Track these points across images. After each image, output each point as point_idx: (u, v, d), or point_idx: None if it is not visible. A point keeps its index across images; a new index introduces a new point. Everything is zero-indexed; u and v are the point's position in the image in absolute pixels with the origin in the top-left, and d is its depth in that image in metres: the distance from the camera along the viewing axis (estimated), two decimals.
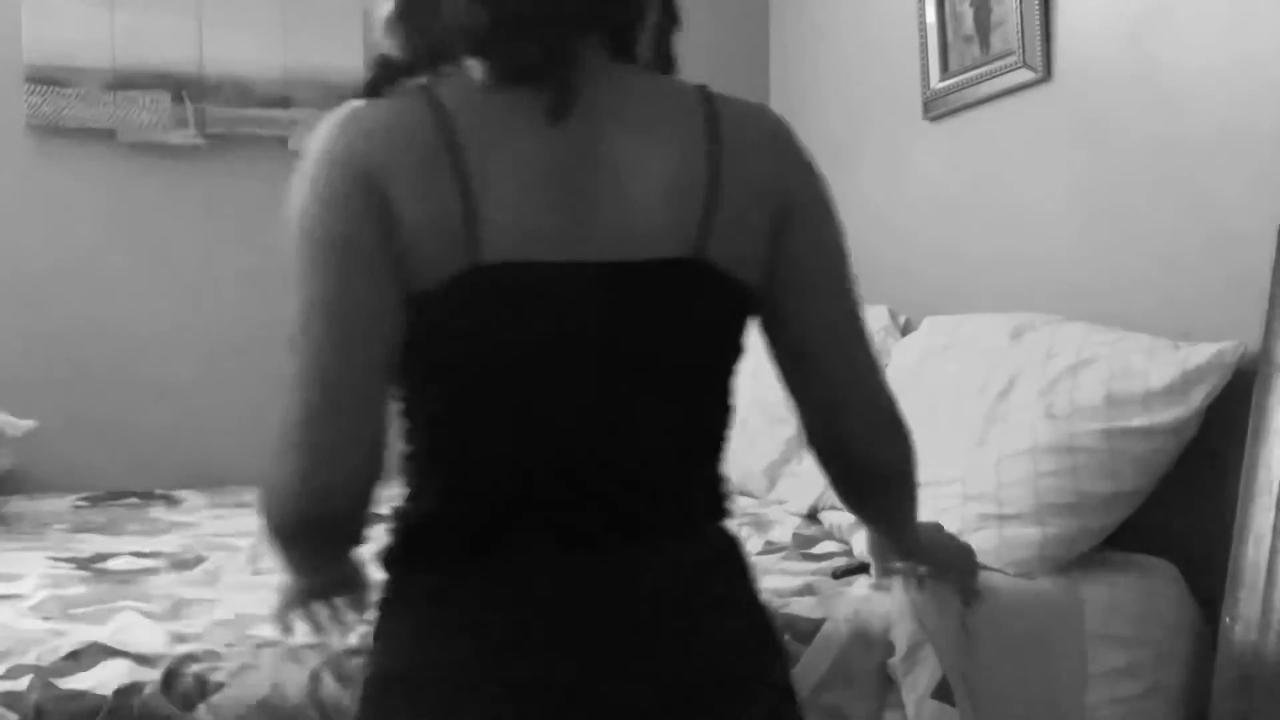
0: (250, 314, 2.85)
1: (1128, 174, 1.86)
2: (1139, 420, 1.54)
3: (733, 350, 0.88)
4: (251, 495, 2.60)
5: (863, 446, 0.93)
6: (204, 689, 1.13)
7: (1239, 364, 1.54)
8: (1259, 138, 1.60)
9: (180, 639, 1.29)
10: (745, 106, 0.88)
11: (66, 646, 1.24)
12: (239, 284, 2.84)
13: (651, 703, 0.83)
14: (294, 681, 1.16)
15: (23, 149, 2.68)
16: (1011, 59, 2.11)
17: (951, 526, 1.42)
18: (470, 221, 0.79)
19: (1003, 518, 1.58)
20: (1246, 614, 1.42)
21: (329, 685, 1.16)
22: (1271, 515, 1.41)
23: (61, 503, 2.42)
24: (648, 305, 0.82)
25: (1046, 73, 2.04)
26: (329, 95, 2.84)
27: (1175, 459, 1.57)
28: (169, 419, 2.77)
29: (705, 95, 0.86)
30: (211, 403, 2.81)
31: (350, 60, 2.86)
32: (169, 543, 1.97)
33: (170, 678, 1.13)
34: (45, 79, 2.64)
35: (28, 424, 2.37)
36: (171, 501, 2.48)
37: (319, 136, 0.86)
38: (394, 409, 0.86)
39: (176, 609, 1.47)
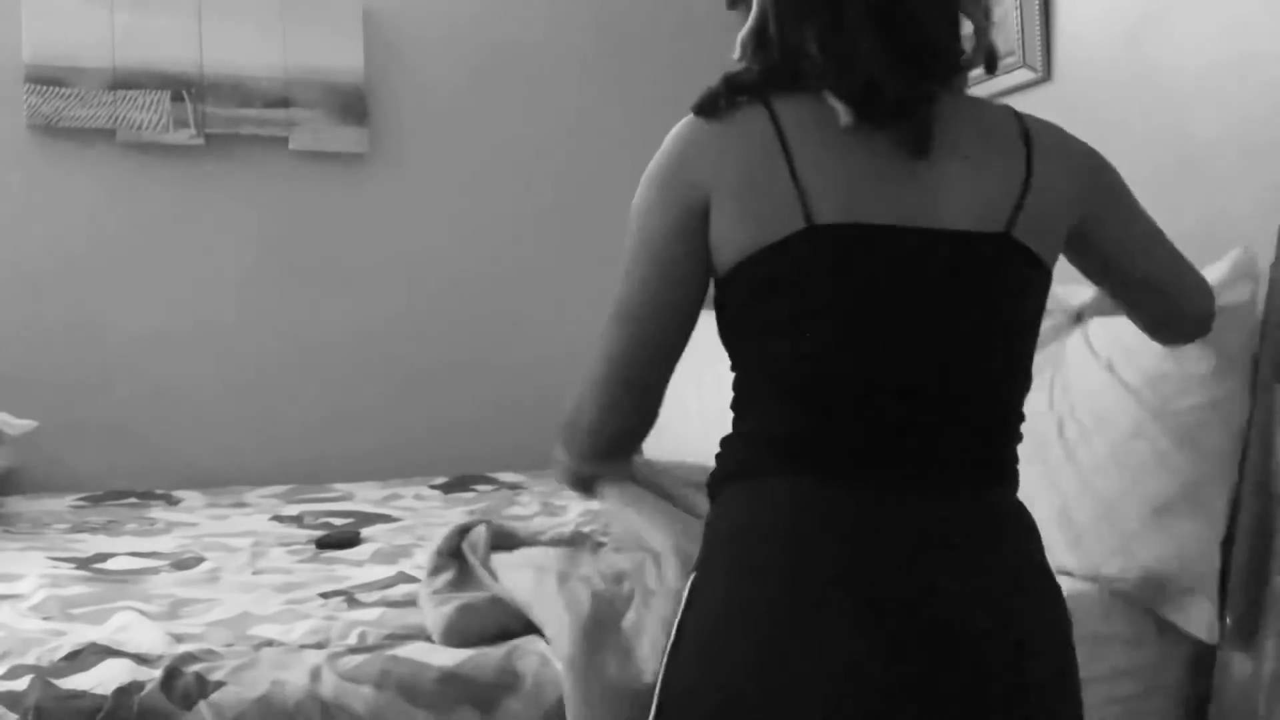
0: (250, 313, 2.85)
1: (1127, 174, 1.85)
2: (1209, 358, 1.49)
3: (1033, 318, 1.05)
4: (250, 495, 2.58)
5: (1196, 312, 1.23)
6: (204, 687, 1.12)
7: (1256, 270, 1.51)
8: (1259, 138, 1.59)
9: (180, 639, 1.29)
10: (1046, 124, 1.07)
11: (66, 647, 1.24)
12: (239, 284, 2.84)
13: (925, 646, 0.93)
14: (294, 679, 1.16)
15: (23, 149, 2.68)
16: (1011, 59, 2.11)
17: (1108, 543, 1.50)
18: (803, 198, 0.96)
19: (1160, 512, 1.51)
20: (1247, 614, 1.41)
21: (329, 682, 1.15)
22: (1271, 515, 1.41)
23: (60, 503, 2.42)
24: (960, 263, 0.98)
25: (1046, 73, 2.04)
26: (329, 95, 2.84)
27: (1253, 371, 1.51)
28: (168, 419, 2.77)
29: (1017, 115, 1.05)
30: (211, 403, 2.81)
31: (350, 60, 2.86)
32: (168, 543, 1.97)
33: (170, 676, 1.13)
34: (45, 79, 2.64)
35: (28, 424, 2.37)
36: (171, 501, 2.48)
37: (667, 143, 1.03)
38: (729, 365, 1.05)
39: (176, 609, 1.47)
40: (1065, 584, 1.51)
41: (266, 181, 2.86)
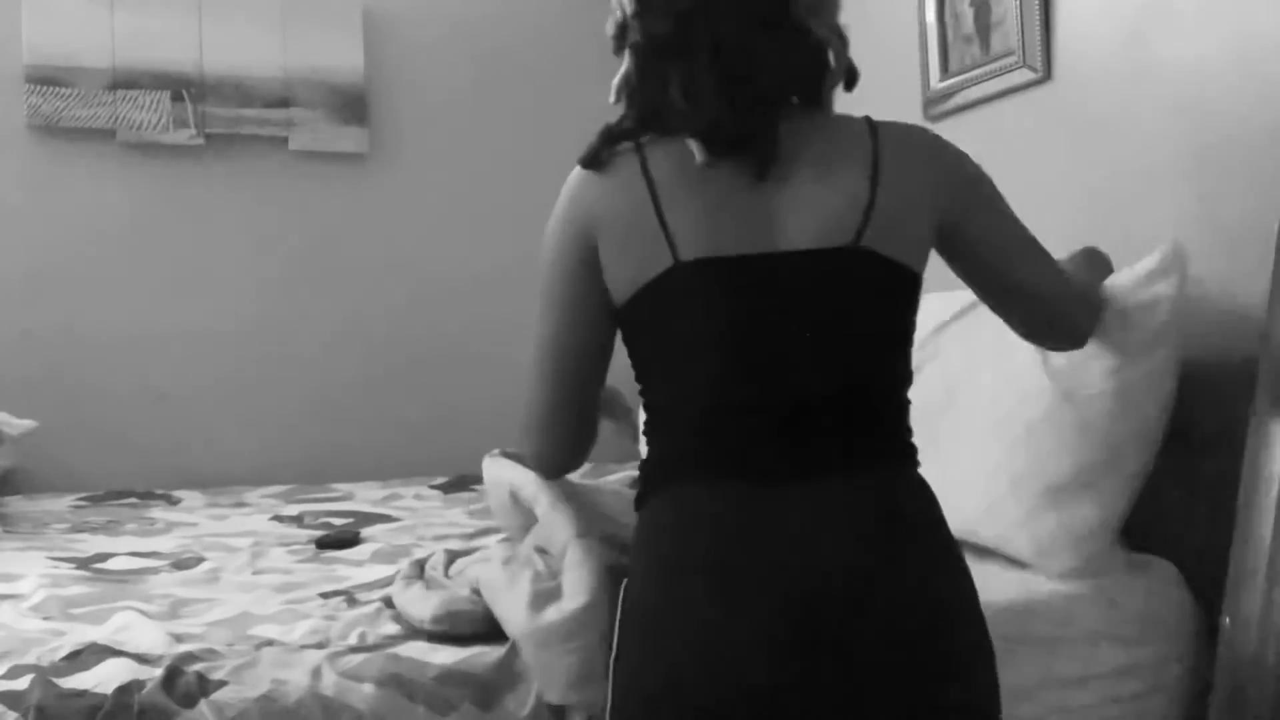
0: (250, 313, 2.85)
1: (1127, 174, 1.86)
2: (1129, 342, 1.52)
3: (895, 317, 1.13)
4: (250, 495, 2.58)
5: (1068, 324, 1.35)
6: (205, 686, 1.12)
7: (1184, 261, 1.54)
8: (1259, 137, 1.59)
9: (180, 639, 1.29)
10: (903, 129, 1.14)
11: (67, 647, 1.23)
12: (238, 283, 2.85)
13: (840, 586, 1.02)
14: (295, 678, 1.15)
15: (23, 149, 2.68)
16: (1011, 59, 2.11)
17: (1014, 516, 1.54)
18: (669, 239, 1.07)
19: (1055, 492, 1.55)
20: (1247, 614, 1.41)
21: (329, 680, 1.15)
22: (1272, 515, 1.41)
23: (60, 503, 2.42)
24: (807, 280, 1.07)
25: (1046, 73, 2.04)
26: (329, 95, 2.85)
27: (1177, 372, 1.55)
28: (168, 419, 2.77)
29: (871, 125, 1.13)
30: (211, 403, 2.81)
31: (350, 60, 2.86)
32: (168, 543, 1.97)
33: (171, 675, 1.13)
34: (45, 79, 2.64)
35: (28, 424, 2.37)
36: (171, 501, 2.48)
37: (560, 197, 1.16)
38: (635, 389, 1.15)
39: (176, 609, 1.47)
40: (1061, 587, 1.54)
41: (266, 181, 2.87)
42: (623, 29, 1.17)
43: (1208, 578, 1.56)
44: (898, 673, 1.02)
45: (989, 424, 1.65)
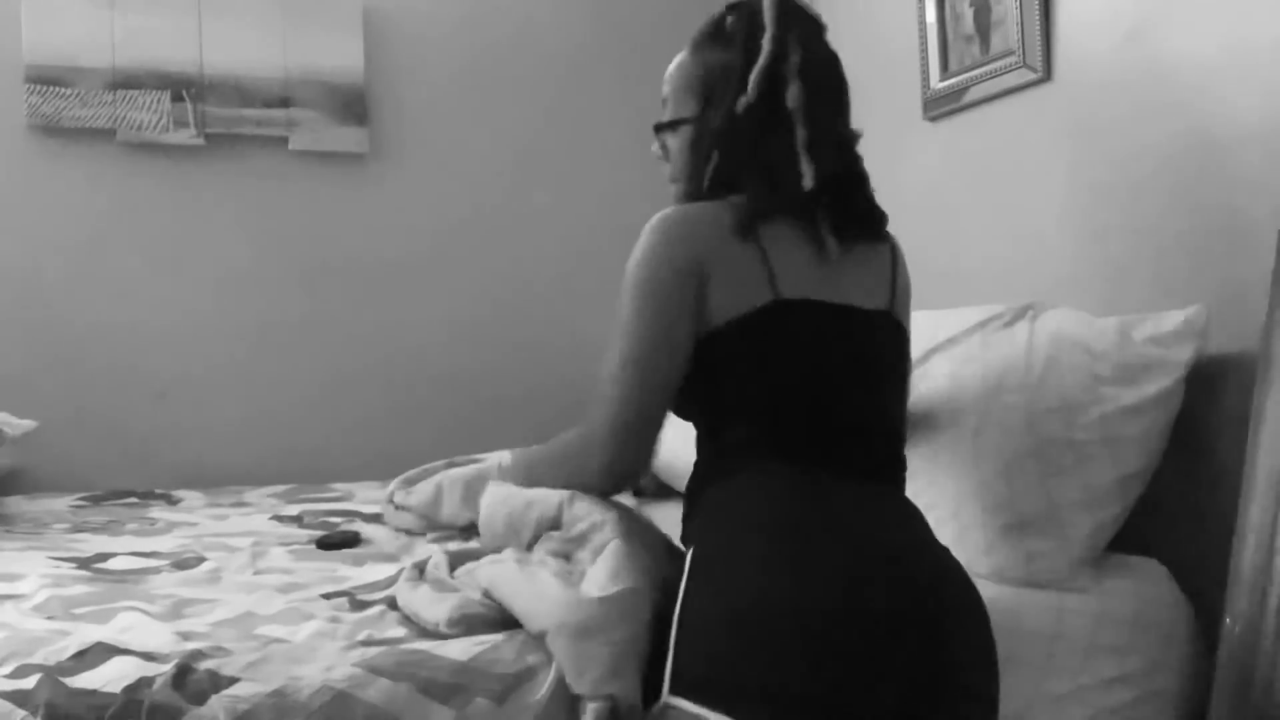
0: (250, 314, 2.85)
1: (1127, 174, 1.86)
2: (1127, 399, 1.54)
3: (904, 360, 1.49)
4: (250, 495, 2.57)
5: None
6: (216, 682, 1.12)
7: (1205, 329, 1.57)
8: (1259, 138, 1.60)
9: (187, 638, 1.29)
10: (899, 249, 1.53)
11: (73, 647, 1.23)
12: (239, 284, 2.85)
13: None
14: (308, 673, 1.15)
15: (23, 149, 2.68)
16: (1011, 59, 2.11)
17: (979, 544, 1.60)
18: (771, 278, 1.32)
19: (1023, 526, 1.58)
20: (1248, 614, 1.42)
21: (343, 674, 1.15)
22: (1272, 515, 1.41)
23: (61, 503, 2.42)
24: (869, 327, 1.41)
25: (1046, 73, 2.05)
26: (329, 95, 2.85)
27: (1169, 432, 1.58)
28: (169, 419, 2.78)
29: (891, 242, 1.51)
30: (211, 402, 2.81)
31: (350, 60, 2.86)
32: (168, 542, 1.97)
33: (182, 672, 1.12)
34: (45, 79, 2.64)
35: (28, 424, 2.36)
36: (171, 501, 2.48)
37: (651, 230, 1.35)
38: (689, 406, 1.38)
39: (178, 609, 1.47)
40: (1047, 602, 1.54)
41: (266, 181, 2.87)
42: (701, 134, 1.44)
43: (1207, 578, 1.57)
44: (953, 583, 1.22)
45: (968, 454, 1.65)
